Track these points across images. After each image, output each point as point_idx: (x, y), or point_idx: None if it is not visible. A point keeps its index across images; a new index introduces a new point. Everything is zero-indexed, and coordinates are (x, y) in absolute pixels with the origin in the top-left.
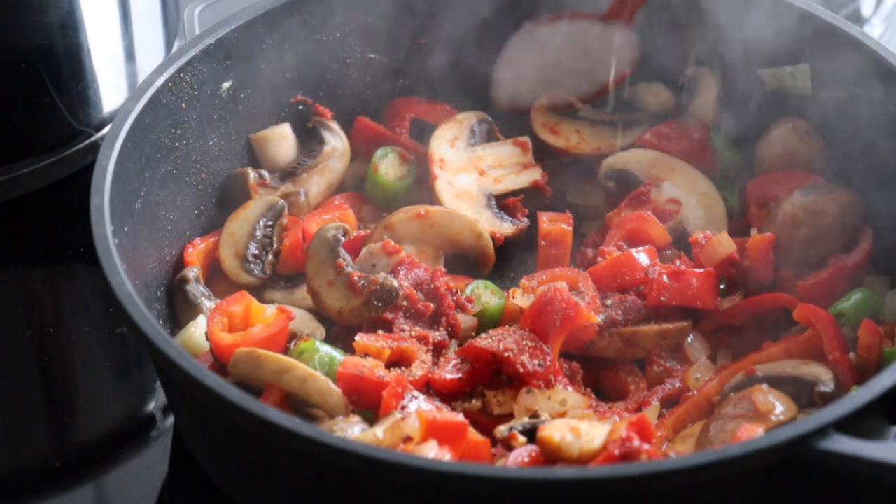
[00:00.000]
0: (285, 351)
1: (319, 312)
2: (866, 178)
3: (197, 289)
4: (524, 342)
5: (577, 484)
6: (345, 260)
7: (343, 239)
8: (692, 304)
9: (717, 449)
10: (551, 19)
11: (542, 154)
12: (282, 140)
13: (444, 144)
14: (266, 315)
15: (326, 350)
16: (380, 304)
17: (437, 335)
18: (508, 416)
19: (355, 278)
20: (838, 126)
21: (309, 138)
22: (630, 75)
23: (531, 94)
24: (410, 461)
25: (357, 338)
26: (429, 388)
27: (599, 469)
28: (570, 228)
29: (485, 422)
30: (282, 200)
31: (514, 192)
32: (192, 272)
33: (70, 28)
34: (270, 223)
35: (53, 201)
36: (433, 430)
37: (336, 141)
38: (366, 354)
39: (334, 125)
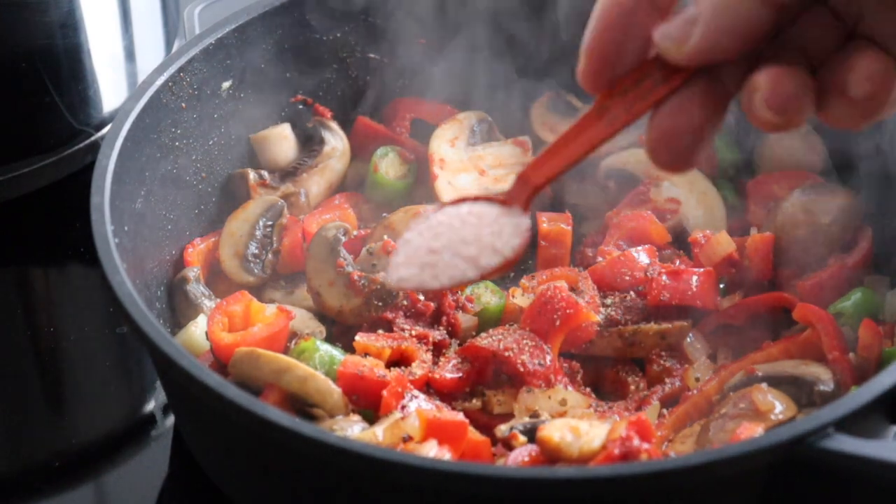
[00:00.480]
0: (285, 350)
1: (319, 312)
2: (866, 177)
3: (197, 288)
4: (524, 341)
5: (577, 483)
6: (345, 259)
7: (343, 239)
8: (692, 303)
9: (716, 448)
10: (451, 202)
11: None
12: (282, 140)
13: (444, 144)
14: (266, 314)
15: (326, 349)
16: (380, 304)
17: (437, 335)
18: (508, 416)
19: (355, 278)
20: None
21: (309, 138)
22: (513, 264)
23: (418, 280)
24: (410, 461)
25: (357, 337)
26: (429, 387)
27: (599, 469)
28: (569, 228)
29: (485, 421)
30: (282, 200)
31: None
32: (193, 272)
33: (70, 28)
34: (270, 223)
35: (53, 201)
36: (433, 430)
37: (336, 141)
38: (366, 354)
39: (334, 125)
